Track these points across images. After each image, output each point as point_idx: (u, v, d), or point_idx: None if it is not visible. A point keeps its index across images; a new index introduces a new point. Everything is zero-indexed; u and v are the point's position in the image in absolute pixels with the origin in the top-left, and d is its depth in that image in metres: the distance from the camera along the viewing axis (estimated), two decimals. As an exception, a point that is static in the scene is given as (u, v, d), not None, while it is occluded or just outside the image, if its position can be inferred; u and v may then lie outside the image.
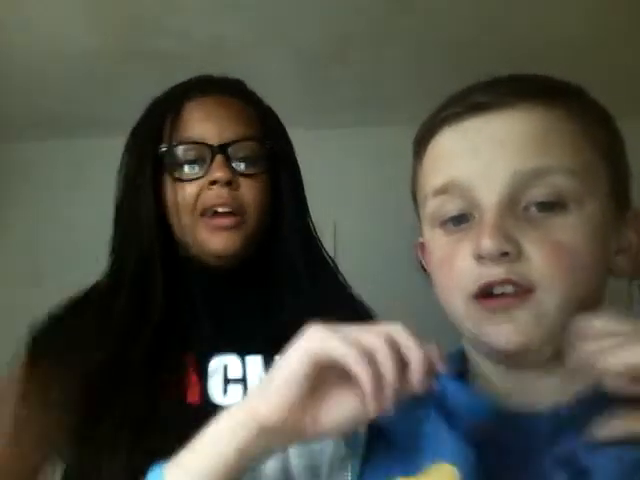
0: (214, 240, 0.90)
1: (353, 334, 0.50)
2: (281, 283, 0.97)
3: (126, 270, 0.94)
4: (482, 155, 0.54)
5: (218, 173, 0.90)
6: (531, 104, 0.54)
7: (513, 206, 0.52)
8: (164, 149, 0.94)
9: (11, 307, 2.74)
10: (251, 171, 0.94)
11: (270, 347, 0.90)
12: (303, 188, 1.05)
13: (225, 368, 0.91)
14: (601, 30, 2.13)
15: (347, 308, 0.99)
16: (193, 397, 0.88)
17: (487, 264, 0.51)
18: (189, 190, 0.91)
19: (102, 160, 2.93)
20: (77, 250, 2.77)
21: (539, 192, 0.52)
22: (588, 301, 0.53)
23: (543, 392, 0.55)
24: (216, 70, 2.35)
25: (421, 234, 0.66)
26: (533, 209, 0.52)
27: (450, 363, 0.55)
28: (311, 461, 0.59)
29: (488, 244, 0.50)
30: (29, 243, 2.84)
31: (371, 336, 0.50)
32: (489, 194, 0.53)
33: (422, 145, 0.63)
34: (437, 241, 0.58)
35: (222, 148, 0.91)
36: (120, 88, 2.49)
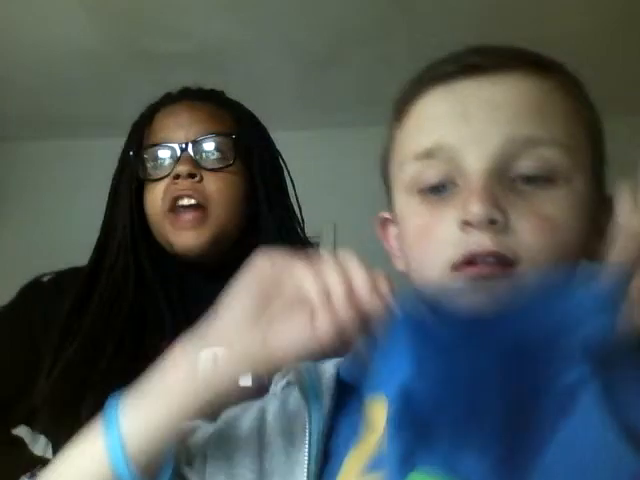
0: (180, 239, 0.92)
1: (299, 258, 0.49)
2: None
3: (104, 264, 0.97)
4: (473, 118, 0.50)
5: (180, 167, 0.92)
6: (527, 71, 0.53)
7: (503, 175, 0.49)
8: (133, 153, 0.96)
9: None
10: (216, 165, 0.94)
11: None
12: (281, 183, 1.06)
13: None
14: (601, 29, 2.13)
15: None
16: None
17: (473, 232, 0.48)
18: (157, 190, 0.94)
19: (102, 160, 2.93)
20: (77, 250, 2.77)
21: (530, 164, 0.49)
22: None
23: None
24: (216, 70, 2.35)
25: (388, 207, 0.61)
26: (522, 181, 0.50)
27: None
28: (288, 424, 0.55)
29: (478, 209, 0.47)
30: (29, 242, 2.84)
31: (317, 259, 0.49)
32: (478, 159, 0.49)
33: (405, 105, 0.56)
34: (414, 208, 0.53)
35: (186, 145, 0.94)
36: (120, 88, 2.50)
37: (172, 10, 2.03)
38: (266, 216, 0.98)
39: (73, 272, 1.04)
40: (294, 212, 1.04)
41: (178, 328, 0.93)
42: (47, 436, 0.93)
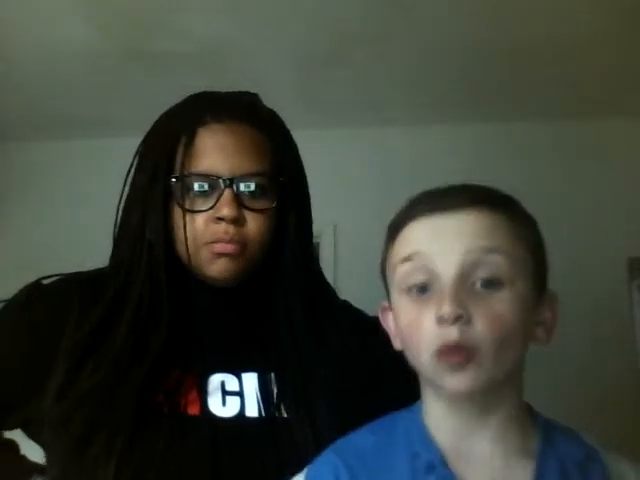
0: (214, 267, 0.92)
1: None
2: (277, 314, 1.00)
3: (133, 289, 0.94)
4: (442, 238, 0.71)
5: (226, 210, 0.90)
6: (479, 208, 0.72)
7: (465, 280, 0.68)
8: (175, 179, 0.94)
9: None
10: (258, 206, 0.93)
11: (264, 366, 0.95)
12: (311, 223, 1.06)
13: (222, 384, 0.93)
14: (602, 29, 2.13)
15: (345, 341, 1.02)
16: (193, 410, 0.89)
17: (445, 325, 0.67)
18: (197, 222, 0.92)
19: (102, 160, 2.94)
20: (77, 250, 2.77)
21: (485, 271, 0.69)
22: (517, 359, 0.72)
23: (481, 431, 0.72)
24: (216, 70, 2.35)
25: (387, 299, 0.80)
26: (479, 285, 0.69)
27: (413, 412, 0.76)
28: None
29: (447, 309, 0.66)
30: (29, 242, 2.84)
31: None
32: (447, 268, 0.69)
33: (395, 231, 0.77)
34: (405, 305, 0.73)
35: (232, 182, 0.92)
36: (120, 88, 2.50)
37: (172, 10, 2.03)
38: (292, 260, 1.00)
39: (77, 277, 1.01)
40: (312, 237, 1.06)
41: (201, 359, 0.94)
42: (44, 448, 0.91)
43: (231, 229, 0.91)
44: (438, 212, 0.73)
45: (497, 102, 2.62)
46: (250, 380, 0.95)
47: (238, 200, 0.92)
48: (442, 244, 0.71)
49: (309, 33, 2.17)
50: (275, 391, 0.94)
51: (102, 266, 1.07)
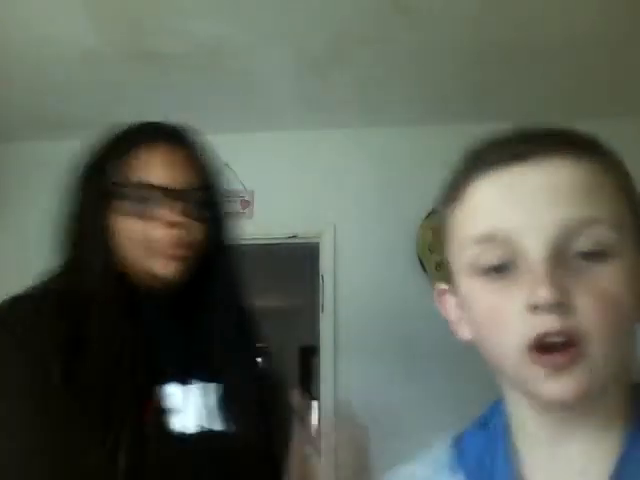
0: (158, 264, 0.97)
1: None
2: (209, 324, 1.05)
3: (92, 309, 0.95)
4: (527, 204, 0.55)
5: (169, 216, 0.97)
6: (575, 155, 0.56)
7: (561, 256, 0.53)
8: (117, 186, 1.00)
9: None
10: (197, 216, 1.00)
11: (209, 377, 0.98)
12: (233, 242, 1.11)
13: (168, 396, 0.95)
14: (602, 29, 2.13)
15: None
16: (143, 423, 0.90)
17: (541, 314, 0.52)
18: (137, 223, 0.98)
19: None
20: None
21: (585, 242, 0.54)
22: (629, 349, 0.56)
23: (570, 441, 0.58)
24: (216, 70, 2.35)
25: (445, 280, 0.65)
26: (578, 258, 0.54)
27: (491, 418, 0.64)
28: None
29: (545, 294, 0.51)
30: (29, 242, 2.84)
31: None
32: (537, 243, 0.54)
33: (458, 189, 0.61)
34: (480, 291, 0.57)
35: (176, 193, 0.98)
36: (120, 88, 2.50)
37: (172, 10, 2.03)
38: (217, 262, 1.04)
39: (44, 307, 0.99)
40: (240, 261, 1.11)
41: (152, 369, 0.94)
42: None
43: (175, 233, 0.97)
44: (518, 162, 0.56)
45: (497, 102, 2.62)
46: (196, 391, 0.97)
47: (181, 209, 0.98)
48: (528, 212, 0.54)
49: (309, 33, 2.16)
50: (219, 403, 0.97)
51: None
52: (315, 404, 2.95)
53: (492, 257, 0.56)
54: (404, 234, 2.66)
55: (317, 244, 2.74)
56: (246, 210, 2.79)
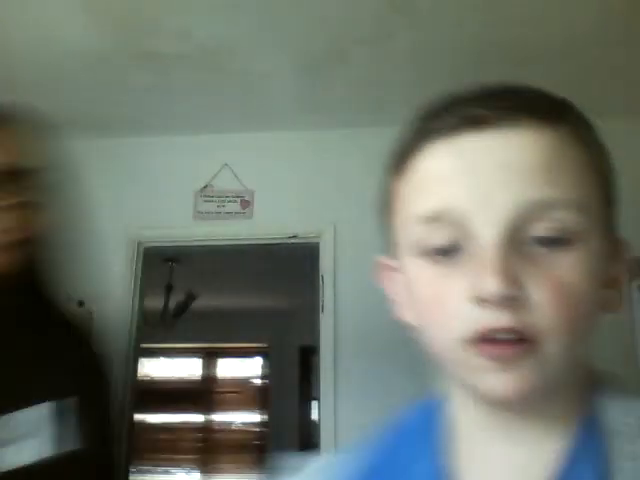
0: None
1: None
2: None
3: None
4: (481, 180, 0.47)
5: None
6: (538, 123, 0.49)
7: (515, 241, 0.46)
8: None
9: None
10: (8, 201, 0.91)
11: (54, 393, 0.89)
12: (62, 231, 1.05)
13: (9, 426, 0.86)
14: (602, 29, 2.13)
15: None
16: None
17: (488, 307, 0.45)
18: None
19: (102, 160, 2.94)
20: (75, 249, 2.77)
21: (544, 226, 0.46)
22: (585, 343, 0.50)
23: (515, 441, 0.51)
24: (216, 70, 2.35)
25: (390, 254, 0.57)
26: (536, 245, 0.46)
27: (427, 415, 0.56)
28: None
29: (492, 286, 0.44)
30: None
31: None
32: (489, 226, 0.46)
33: (406, 158, 0.53)
34: (422, 274, 0.50)
35: None
36: (121, 88, 2.50)
37: (172, 10, 2.03)
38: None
39: None
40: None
41: None
42: None
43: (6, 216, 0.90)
44: (470, 127, 0.48)
45: (497, 102, 2.62)
46: (41, 412, 0.88)
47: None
48: (480, 189, 0.47)
49: (309, 33, 2.17)
50: (68, 420, 0.89)
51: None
52: (315, 404, 2.95)
53: (438, 238, 0.48)
54: (404, 234, 2.66)
55: (317, 244, 2.74)
56: (246, 210, 2.79)
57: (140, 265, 2.80)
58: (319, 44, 2.22)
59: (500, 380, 0.46)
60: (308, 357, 5.75)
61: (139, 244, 2.81)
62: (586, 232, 0.47)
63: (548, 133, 0.48)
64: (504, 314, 0.45)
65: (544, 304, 0.45)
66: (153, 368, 6.33)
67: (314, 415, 5.62)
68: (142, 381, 5.39)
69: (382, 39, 2.19)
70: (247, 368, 6.56)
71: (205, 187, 2.83)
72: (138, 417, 2.98)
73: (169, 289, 4.56)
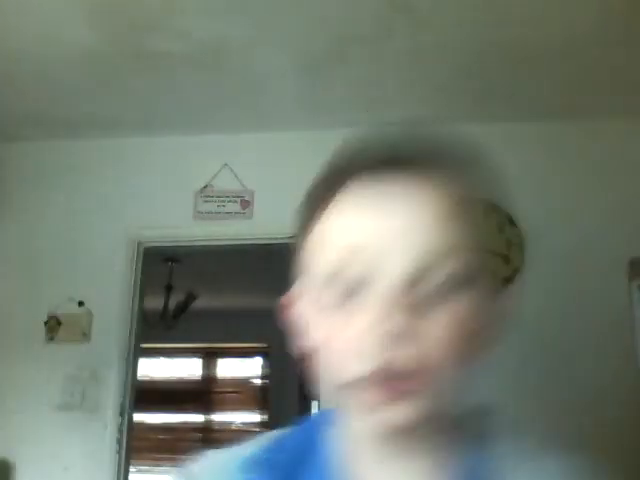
0: None
1: None
2: None
3: None
4: (391, 220, 0.51)
5: None
6: (446, 169, 0.53)
7: (415, 284, 0.49)
8: None
9: (10, 306, 2.74)
10: None
11: None
12: None
13: None
14: (602, 29, 2.13)
15: None
16: None
17: (388, 343, 0.48)
18: None
19: (102, 160, 2.94)
20: (75, 249, 2.78)
21: (442, 272, 0.50)
22: (472, 378, 0.55)
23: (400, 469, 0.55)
24: (216, 70, 2.35)
25: (295, 287, 0.59)
26: (434, 287, 0.50)
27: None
28: None
29: (392, 323, 0.48)
30: (29, 242, 2.84)
31: None
32: (395, 265, 0.49)
33: (320, 196, 0.58)
34: (326, 307, 0.52)
35: None
36: (120, 88, 2.50)
37: (172, 10, 2.03)
38: None
39: None
40: None
41: None
42: None
43: None
44: (387, 168, 0.53)
45: (497, 102, 2.62)
46: None
47: None
48: (389, 228, 0.51)
49: (309, 33, 2.17)
50: None
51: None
52: (315, 404, 2.95)
53: (348, 273, 0.51)
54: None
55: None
56: (246, 210, 2.79)
57: (140, 265, 2.80)
58: (319, 44, 2.22)
59: (395, 413, 0.49)
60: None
61: (139, 244, 2.81)
62: (477, 277, 0.52)
63: (454, 179, 0.53)
64: (402, 350, 0.48)
65: (439, 341, 0.49)
66: (153, 368, 6.33)
67: (314, 415, 5.61)
68: (142, 381, 5.39)
69: (382, 39, 2.19)
70: (247, 368, 6.56)
71: (205, 187, 2.82)
72: (138, 417, 2.98)
73: (169, 289, 4.56)
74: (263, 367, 6.48)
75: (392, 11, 2.04)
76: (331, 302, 0.52)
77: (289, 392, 6.05)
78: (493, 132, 2.79)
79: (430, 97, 2.60)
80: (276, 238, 2.79)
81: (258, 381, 6.50)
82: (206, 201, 2.81)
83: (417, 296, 0.49)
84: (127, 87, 2.48)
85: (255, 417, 6.38)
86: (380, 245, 0.50)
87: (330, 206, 0.55)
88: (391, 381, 0.49)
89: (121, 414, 2.58)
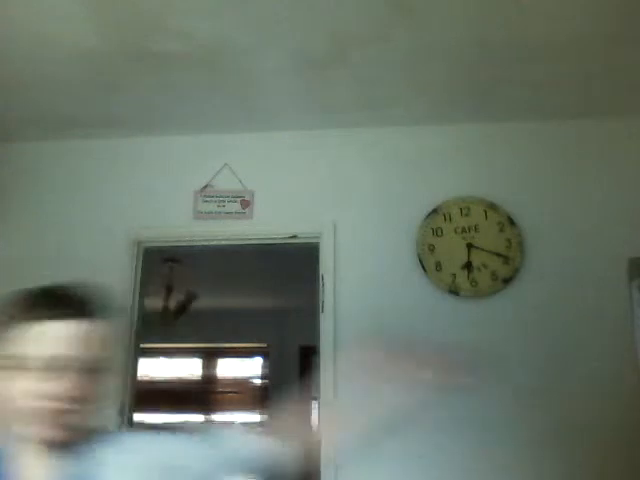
0: None
1: None
2: None
3: None
4: (58, 343, 0.96)
5: None
6: (84, 317, 0.99)
7: (61, 361, 0.95)
8: None
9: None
10: None
11: None
12: None
13: None
14: (601, 29, 2.13)
15: None
16: None
17: (47, 400, 0.94)
18: None
19: (102, 160, 2.94)
20: (75, 249, 2.78)
21: (80, 359, 0.96)
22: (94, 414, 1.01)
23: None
24: (216, 70, 2.35)
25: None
26: (72, 364, 0.95)
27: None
28: None
29: (52, 387, 0.94)
30: (28, 242, 2.84)
31: None
32: (47, 352, 0.95)
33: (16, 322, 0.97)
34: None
35: None
36: (121, 88, 2.50)
37: (172, 10, 2.03)
38: None
39: None
40: None
41: None
42: None
43: None
44: (60, 319, 0.96)
45: (497, 102, 2.62)
46: None
47: None
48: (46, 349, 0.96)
49: (309, 33, 2.17)
50: None
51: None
52: (315, 404, 2.95)
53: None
54: (404, 234, 2.66)
55: (317, 244, 2.74)
56: (246, 210, 2.80)
57: (140, 265, 2.80)
58: (319, 44, 2.22)
59: (45, 428, 0.94)
60: (308, 357, 5.74)
61: (139, 244, 2.81)
62: (104, 369, 0.99)
63: (82, 322, 0.98)
64: (57, 402, 0.93)
65: (70, 392, 0.94)
66: (153, 368, 6.33)
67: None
68: (142, 381, 5.39)
69: (382, 39, 2.19)
70: (247, 368, 6.55)
71: (205, 187, 2.83)
72: (138, 417, 2.98)
73: (169, 289, 4.55)
74: (263, 367, 6.48)
75: (392, 11, 2.04)
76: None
77: (289, 392, 6.05)
78: (493, 132, 2.80)
79: (430, 97, 2.60)
80: (276, 238, 2.80)
81: (258, 381, 6.50)
82: (206, 201, 2.81)
83: (60, 367, 0.93)
84: (127, 87, 2.48)
85: (255, 417, 6.38)
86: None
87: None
88: (45, 415, 0.92)
89: (121, 414, 2.58)
